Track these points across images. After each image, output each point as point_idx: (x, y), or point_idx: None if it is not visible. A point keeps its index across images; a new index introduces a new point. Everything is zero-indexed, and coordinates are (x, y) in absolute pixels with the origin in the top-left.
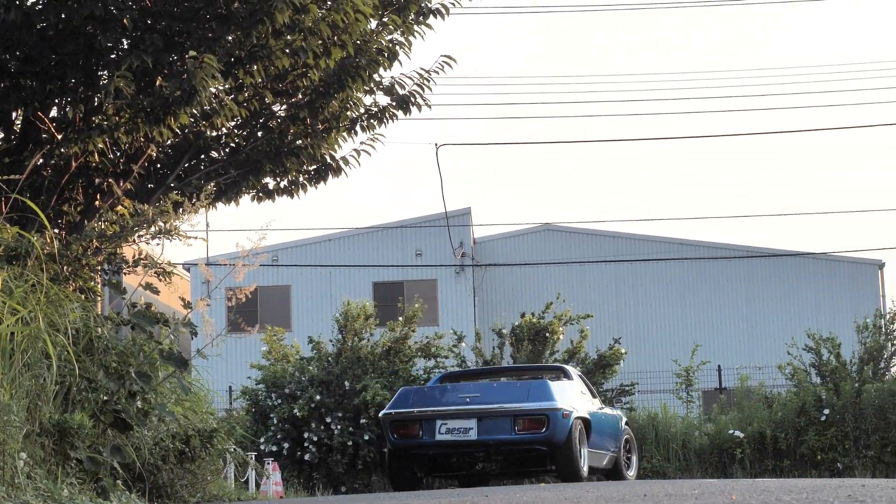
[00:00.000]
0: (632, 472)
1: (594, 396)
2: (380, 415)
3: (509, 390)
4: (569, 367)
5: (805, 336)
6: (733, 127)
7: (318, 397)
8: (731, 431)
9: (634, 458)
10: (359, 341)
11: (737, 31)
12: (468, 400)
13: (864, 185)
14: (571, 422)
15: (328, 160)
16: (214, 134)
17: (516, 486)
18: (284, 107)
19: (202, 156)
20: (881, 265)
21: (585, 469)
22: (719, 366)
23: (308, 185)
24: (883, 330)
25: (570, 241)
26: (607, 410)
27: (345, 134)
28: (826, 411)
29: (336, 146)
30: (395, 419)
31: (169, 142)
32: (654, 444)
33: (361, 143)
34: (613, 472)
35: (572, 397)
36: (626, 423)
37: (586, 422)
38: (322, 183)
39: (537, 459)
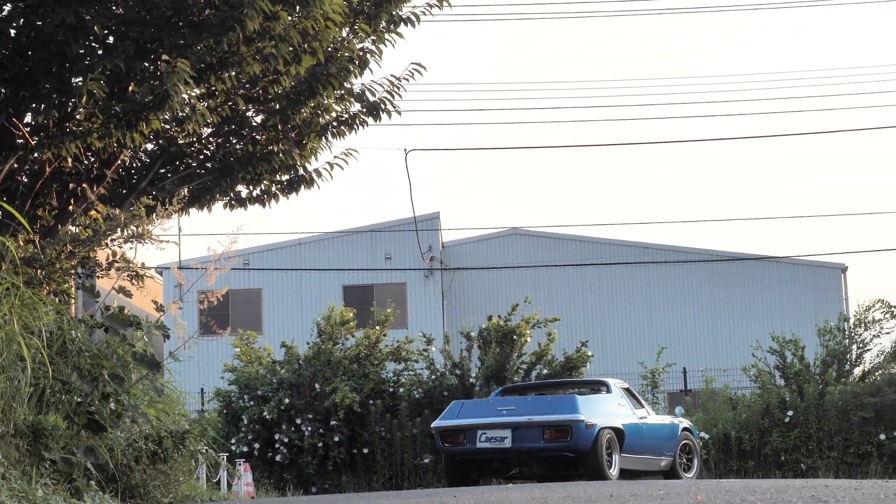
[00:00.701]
0: (690, 474)
1: (639, 407)
2: (432, 425)
3: (540, 404)
4: (611, 381)
5: (769, 338)
6: (698, 132)
7: (286, 400)
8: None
9: (695, 461)
10: (332, 345)
11: (699, 38)
12: (505, 412)
13: (828, 189)
14: (597, 431)
15: (301, 172)
16: (188, 140)
17: (485, 487)
18: (257, 114)
19: (176, 162)
20: (844, 269)
21: (615, 472)
22: (684, 368)
23: (280, 195)
24: (847, 333)
25: (537, 244)
26: (656, 419)
27: (316, 141)
28: (790, 413)
29: (313, 157)
30: (444, 429)
31: (143, 148)
32: None
33: (335, 156)
34: (670, 474)
35: (602, 409)
36: (687, 430)
37: (619, 431)
38: (294, 193)
39: (568, 464)
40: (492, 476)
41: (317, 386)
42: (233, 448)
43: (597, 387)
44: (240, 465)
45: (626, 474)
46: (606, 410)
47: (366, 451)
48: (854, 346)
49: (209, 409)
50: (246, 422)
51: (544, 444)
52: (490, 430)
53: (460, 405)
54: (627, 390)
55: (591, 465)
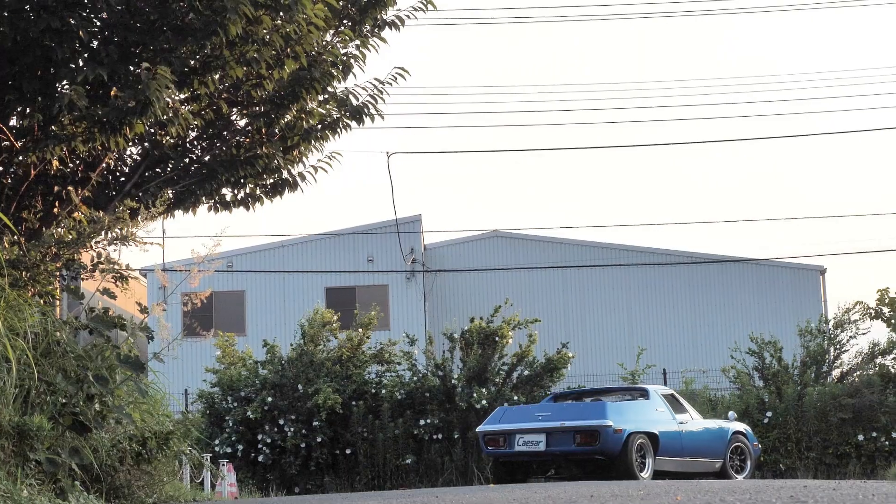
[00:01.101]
0: (742, 476)
1: (681, 412)
2: (476, 429)
3: (572, 410)
4: (652, 389)
5: (748, 340)
6: (678, 135)
7: (269, 399)
8: None
9: (748, 463)
10: (314, 346)
11: (679, 42)
12: (540, 418)
13: (807, 191)
14: (626, 436)
15: (285, 175)
16: (172, 143)
17: (467, 487)
18: (241, 118)
19: (160, 165)
20: (822, 271)
21: (647, 474)
22: (664, 369)
23: (265, 199)
24: (827, 335)
25: (518, 247)
26: (700, 424)
27: (300, 142)
28: (769, 413)
29: (299, 162)
30: (486, 433)
31: (128, 151)
32: None
33: (319, 160)
34: (721, 475)
35: (635, 416)
36: (740, 433)
37: (652, 436)
38: (278, 197)
39: (601, 465)
40: (532, 476)
41: (300, 387)
42: (216, 449)
43: (637, 394)
44: (223, 465)
45: (669, 476)
46: (640, 417)
47: (348, 451)
48: (832, 348)
49: (193, 410)
50: (231, 423)
51: (575, 447)
52: (527, 435)
53: (503, 411)
54: (671, 397)
55: (621, 467)
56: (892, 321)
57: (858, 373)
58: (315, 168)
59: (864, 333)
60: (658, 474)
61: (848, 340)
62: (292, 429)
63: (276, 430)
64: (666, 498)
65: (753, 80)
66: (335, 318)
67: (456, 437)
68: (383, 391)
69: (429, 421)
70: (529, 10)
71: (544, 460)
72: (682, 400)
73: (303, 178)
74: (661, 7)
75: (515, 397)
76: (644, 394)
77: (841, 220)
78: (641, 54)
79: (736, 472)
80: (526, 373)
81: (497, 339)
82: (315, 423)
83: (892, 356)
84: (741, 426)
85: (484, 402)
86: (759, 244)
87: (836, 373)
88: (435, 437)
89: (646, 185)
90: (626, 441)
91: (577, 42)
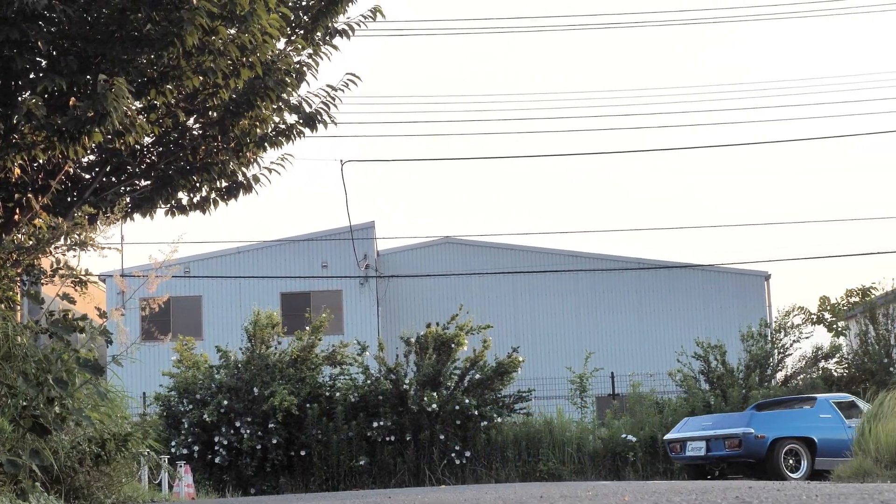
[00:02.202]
0: None
1: (854, 417)
2: (664, 437)
3: (726, 420)
4: (821, 397)
5: (694, 344)
6: (626, 144)
7: (225, 402)
8: (623, 436)
9: None
10: (266, 349)
11: (633, 53)
12: (704, 427)
13: (751, 198)
14: (770, 441)
15: (239, 178)
16: (131, 150)
17: (419, 488)
18: (197, 125)
19: (118, 171)
20: (767, 276)
21: (800, 475)
22: (612, 373)
23: (220, 202)
24: (769, 338)
25: (469, 253)
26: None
27: (255, 148)
28: None
29: (252, 164)
30: (669, 441)
31: (86, 158)
32: (550, 447)
33: (272, 162)
34: None
35: (786, 423)
36: None
37: (808, 441)
38: (233, 199)
39: (756, 467)
40: (708, 477)
41: (255, 389)
42: (173, 451)
43: (805, 403)
44: (180, 466)
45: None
46: (794, 424)
47: (303, 453)
48: (776, 352)
49: (150, 412)
50: (187, 425)
51: (726, 452)
52: (693, 442)
53: (685, 421)
54: (847, 404)
55: (769, 468)
56: (834, 326)
57: (802, 376)
58: (269, 170)
59: (806, 337)
60: (824, 475)
61: (792, 344)
62: (248, 431)
63: (232, 431)
64: (614, 498)
65: (695, 90)
66: (278, 316)
67: (408, 439)
68: (337, 394)
69: (381, 423)
70: (484, 22)
71: (706, 463)
72: (862, 405)
73: (257, 180)
74: (618, 18)
75: (467, 400)
76: (811, 402)
77: (785, 226)
78: (600, 64)
79: None
80: (478, 376)
81: (453, 345)
82: (271, 425)
83: (834, 360)
84: None
85: (435, 405)
86: (705, 250)
87: (780, 376)
88: (388, 439)
89: (595, 193)
90: (772, 446)
91: (530, 52)
